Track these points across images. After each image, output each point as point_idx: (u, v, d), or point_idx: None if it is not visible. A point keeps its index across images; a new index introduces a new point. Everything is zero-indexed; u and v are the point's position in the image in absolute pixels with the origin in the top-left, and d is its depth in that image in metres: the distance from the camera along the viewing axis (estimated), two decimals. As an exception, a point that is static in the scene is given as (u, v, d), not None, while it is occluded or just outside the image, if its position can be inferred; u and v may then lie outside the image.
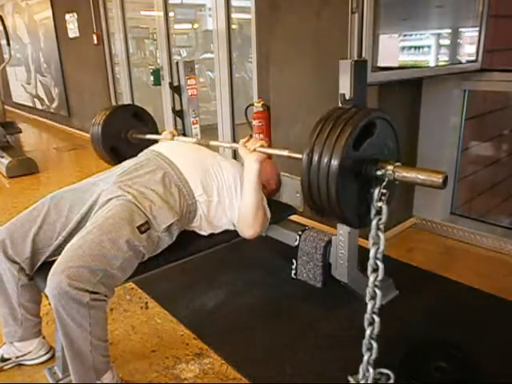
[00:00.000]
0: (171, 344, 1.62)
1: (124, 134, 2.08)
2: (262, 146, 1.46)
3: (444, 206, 2.51)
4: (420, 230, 2.52)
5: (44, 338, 1.57)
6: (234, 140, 3.25)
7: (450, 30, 2.36)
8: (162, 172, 1.48)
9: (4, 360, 1.51)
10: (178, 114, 2.43)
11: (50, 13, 5.65)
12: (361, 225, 1.14)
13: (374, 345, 1.20)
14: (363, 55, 1.60)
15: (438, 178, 0.97)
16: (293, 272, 1.89)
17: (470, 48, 2.31)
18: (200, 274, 2.09)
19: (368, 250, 1.13)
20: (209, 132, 3.33)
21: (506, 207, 2.89)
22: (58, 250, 1.36)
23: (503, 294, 1.83)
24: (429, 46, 2.26)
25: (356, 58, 1.56)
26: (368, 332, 1.20)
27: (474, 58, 2.28)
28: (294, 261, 1.87)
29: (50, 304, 1.23)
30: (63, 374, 1.43)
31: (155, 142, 2.01)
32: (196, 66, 2.39)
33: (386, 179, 1.04)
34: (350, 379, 1.36)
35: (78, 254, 1.19)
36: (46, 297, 1.27)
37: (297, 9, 2.33)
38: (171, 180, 1.48)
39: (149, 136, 2.04)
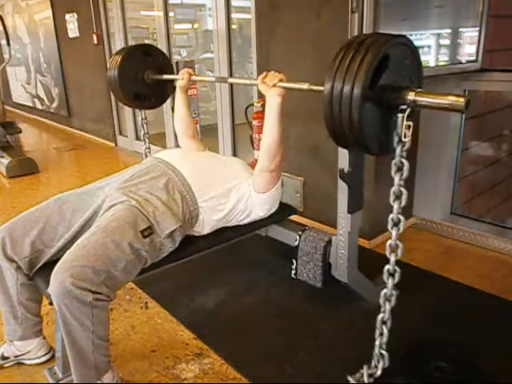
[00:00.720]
0: (171, 344, 1.62)
1: (141, 76, 2.06)
2: (281, 81, 1.47)
3: (444, 205, 2.51)
4: (420, 229, 2.52)
5: (44, 338, 1.57)
6: (234, 139, 3.26)
7: (450, 30, 2.36)
8: (165, 178, 1.50)
9: (4, 358, 1.52)
10: (178, 113, 2.43)
11: (50, 13, 5.65)
12: (382, 152, 1.14)
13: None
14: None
15: (460, 102, 0.98)
16: (293, 272, 1.89)
17: (469, 48, 2.31)
18: (200, 274, 2.09)
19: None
20: (209, 132, 3.33)
21: (506, 207, 2.89)
22: (59, 253, 1.36)
23: (503, 294, 1.83)
24: (429, 46, 2.26)
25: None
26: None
27: (473, 58, 2.28)
28: (294, 261, 1.87)
29: (50, 304, 1.23)
30: (63, 374, 1.42)
31: (172, 82, 2.03)
32: (196, 66, 2.39)
33: (409, 109, 1.04)
34: (350, 379, 1.36)
35: (82, 254, 1.20)
36: (46, 297, 1.27)
37: (297, 9, 2.33)
38: (175, 186, 1.49)
39: (166, 76, 2.03)
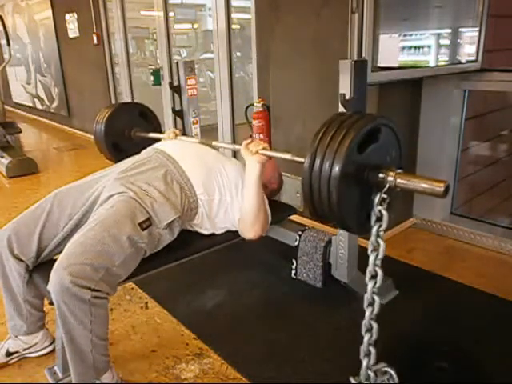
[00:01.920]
0: (171, 344, 1.62)
1: (127, 132, 2.08)
2: (264, 149, 1.46)
3: (444, 206, 2.51)
4: (420, 229, 2.52)
5: (47, 329, 1.59)
6: (234, 139, 3.25)
7: (449, 30, 2.36)
8: (164, 169, 1.49)
9: (9, 354, 1.53)
10: (178, 113, 2.44)
11: (50, 13, 5.65)
12: (361, 231, 1.14)
13: (373, 350, 1.20)
14: (363, 55, 1.60)
15: (439, 187, 0.97)
16: (293, 272, 1.89)
17: (469, 48, 2.31)
18: (200, 274, 2.09)
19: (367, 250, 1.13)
20: (209, 132, 3.33)
21: (506, 207, 2.89)
22: (60, 246, 1.38)
23: (503, 294, 1.83)
24: (429, 46, 2.25)
25: (356, 58, 1.56)
26: (366, 338, 1.19)
27: (473, 58, 2.28)
28: (294, 261, 1.87)
29: (50, 304, 1.23)
30: (63, 374, 1.43)
31: (158, 140, 2.01)
32: (196, 66, 2.39)
33: (388, 185, 1.03)
34: (352, 380, 1.36)
35: (80, 251, 1.20)
36: (47, 297, 1.27)
37: (297, 9, 2.33)
38: (173, 177, 1.48)
39: (152, 135, 2.04)
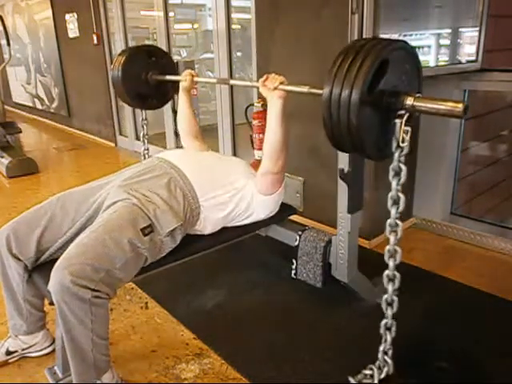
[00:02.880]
0: (171, 344, 1.62)
1: (144, 76, 2.07)
2: (281, 83, 1.47)
3: (444, 206, 2.51)
4: (420, 229, 2.52)
5: (48, 329, 1.59)
6: (234, 139, 3.26)
7: (450, 30, 2.36)
8: (167, 177, 1.51)
9: (9, 353, 1.53)
10: (178, 113, 2.43)
11: (50, 13, 5.65)
12: (380, 157, 1.13)
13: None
14: (363, 55, 1.59)
15: (458, 108, 0.98)
16: (293, 272, 1.89)
17: (469, 48, 2.31)
18: (200, 273, 2.09)
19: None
20: (209, 132, 3.33)
21: (506, 207, 2.89)
22: (61, 250, 1.37)
23: (503, 294, 1.83)
24: (429, 46, 2.26)
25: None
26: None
27: (473, 58, 2.28)
28: (294, 261, 1.87)
29: (50, 304, 1.24)
30: (63, 374, 1.43)
31: (176, 82, 2.03)
32: (196, 66, 2.39)
33: (407, 113, 1.04)
34: (351, 379, 1.36)
35: (81, 252, 1.21)
36: (47, 297, 1.27)
37: (297, 9, 2.33)
38: (176, 184, 1.50)
39: (168, 77, 2.04)
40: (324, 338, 1.62)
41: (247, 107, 2.84)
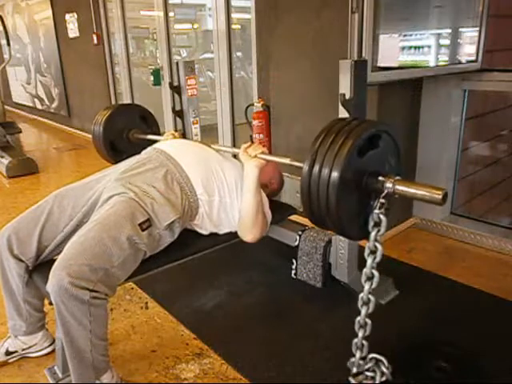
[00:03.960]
0: (171, 344, 1.62)
1: (126, 134, 2.08)
2: (262, 153, 1.47)
3: (444, 206, 2.51)
4: (420, 229, 2.52)
5: (47, 330, 1.59)
6: (234, 139, 3.25)
7: (449, 30, 2.36)
8: (164, 169, 1.49)
9: (9, 353, 1.53)
10: (178, 114, 2.43)
11: (49, 13, 5.65)
12: (359, 237, 1.14)
13: (365, 343, 1.22)
14: (363, 55, 1.60)
15: (437, 195, 0.98)
16: (293, 272, 1.89)
17: (469, 48, 2.31)
18: (200, 274, 2.09)
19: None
20: (209, 132, 3.33)
21: (506, 207, 2.89)
22: (60, 247, 1.38)
23: (503, 294, 1.83)
24: (429, 46, 2.25)
25: (356, 58, 1.57)
26: (360, 334, 1.21)
27: (473, 58, 2.28)
28: (294, 261, 1.87)
29: (50, 304, 1.23)
30: (63, 374, 1.43)
31: (156, 142, 2.01)
32: (196, 66, 2.39)
33: (386, 191, 1.04)
34: (352, 380, 1.36)
35: (79, 252, 1.20)
36: (47, 297, 1.27)
37: (297, 9, 2.33)
38: (173, 178, 1.48)
39: (150, 136, 2.04)
40: (324, 338, 1.62)
41: (247, 107, 2.84)
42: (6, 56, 4.88)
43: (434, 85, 2.32)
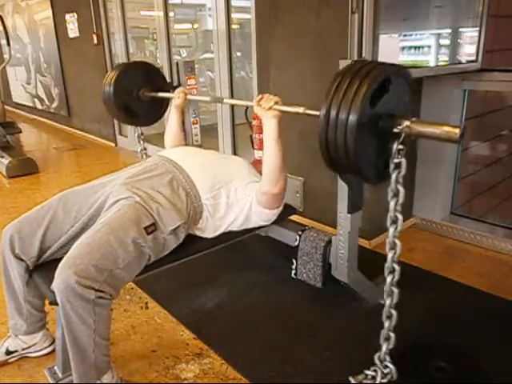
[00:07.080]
0: (171, 344, 1.62)
1: (136, 92, 2.06)
2: (276, 104, 1.47)
3: (444, 205, 2.51)
4: (420, 229, 2.52)
5: (48, 329, 1.59)
6: (234, 139, 3.26)
7: (449, 30, 2.36)
8: (170, 175, 1.51)
9: (9, 353, 1.53)
10: (178, 113, 2.42)
11: (49, 13, 5.65)
12: (378, 180, 1.13)
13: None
14: (363, 55, 1.60)
15: (455, 133, 0.98)
16: (293, 272, 1.89)
17: (469, 48, 2.31)
18: (200, 273, 2.09)
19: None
20: (209, 132, 3.33)
21: (506, 207, 2.89)
22: (63, 249, 1.38)
23: (503, 294, 1.83)
24: (429, 46, 2.26)
25: (356, 58, 1.57)
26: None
27: (473, 58, 2.28)
28: (294, 261, 1.87)
29: (50, 304, 1.24)
30: (63, 374, 1.43)
31: (167, 99, 2.02)
32: (196, 66, 2.39)
33: (403, 134, 1.04)
34: (351, 380, 1.36)
35: (86, 252, 1.21)
36: (47, 297, 1.27)
37: (297, 9, 2.33)
38: (179, 183, 1.50)
39: (161, 94, 2.03)
40: (324, 338, 1.62)
41: (247, 107, 2.84)
42: (6, 56, 4.88)
43: (434, 85, 2.32)
